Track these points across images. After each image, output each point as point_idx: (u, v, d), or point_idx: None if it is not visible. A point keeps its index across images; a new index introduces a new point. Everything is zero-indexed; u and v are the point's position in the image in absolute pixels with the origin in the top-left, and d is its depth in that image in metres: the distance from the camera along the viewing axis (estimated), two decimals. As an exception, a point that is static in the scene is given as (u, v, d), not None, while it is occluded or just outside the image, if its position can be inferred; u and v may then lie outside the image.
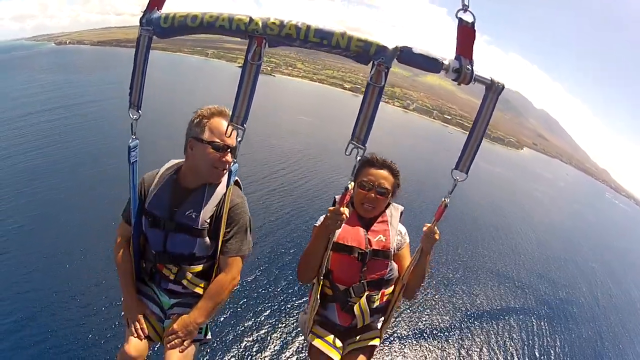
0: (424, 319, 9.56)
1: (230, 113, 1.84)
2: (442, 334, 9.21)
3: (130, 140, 2.09)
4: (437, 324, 9.62)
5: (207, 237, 2.27)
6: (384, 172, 2.43)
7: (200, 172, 2.25)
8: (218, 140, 2.16)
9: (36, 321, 6.11)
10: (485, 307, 11.77)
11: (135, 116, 2.03)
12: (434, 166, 34.06)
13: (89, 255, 7.80)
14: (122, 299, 2.34)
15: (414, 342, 8.07)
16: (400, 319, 8.69)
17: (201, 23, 1.74)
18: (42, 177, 12.33)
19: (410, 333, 8.32)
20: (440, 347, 8.52)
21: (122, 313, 2.32)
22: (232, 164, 2.10)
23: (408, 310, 9.32)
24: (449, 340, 8.96)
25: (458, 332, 9.51)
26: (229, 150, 2.19)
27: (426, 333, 8.83)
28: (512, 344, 10.15)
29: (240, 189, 2.42)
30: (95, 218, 9.34)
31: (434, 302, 10.61)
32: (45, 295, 6.69)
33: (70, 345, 5.74)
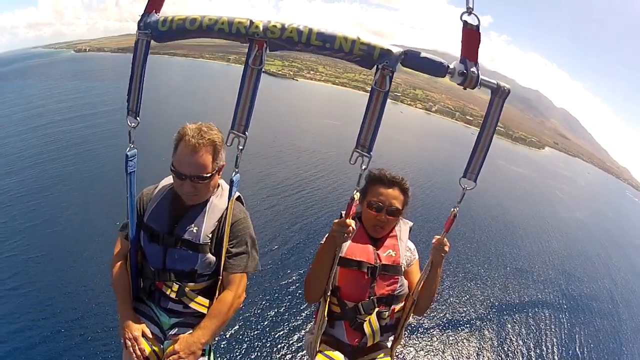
0: (449, 307, 9.60)
1: (231, 121, 1.78)
2: (465, 327, 9.25)
3: (127, 149, 2.01)
4: (459, 318, 9.65)
5: (209, 253, 2.17)
6: (394, 192, 2.31)
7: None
8: (176, 169, 2.06)
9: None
10: (510, 301, 11.85)
11: (133, 124, 1.95)
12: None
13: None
14: (119, 317, 2.19)
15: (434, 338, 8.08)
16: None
17: (200, 26, 1.70)
18: (62, 184, 12.29)
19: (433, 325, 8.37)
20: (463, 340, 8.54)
21: (119, 332, 2.15)
22: (234, 173, 1.98)
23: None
24: (471, 335, 8.93)
25: (480, 328, 9.51)
26: (186, 179, 2.06)
27: (448, 326, 8.87)
28: (538, 336, 10.18)
29: (243, 204, 2.33)
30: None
31: (459, 294, 10.64)
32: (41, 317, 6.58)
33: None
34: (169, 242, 2.16)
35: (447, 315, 9.44)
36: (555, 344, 10.30)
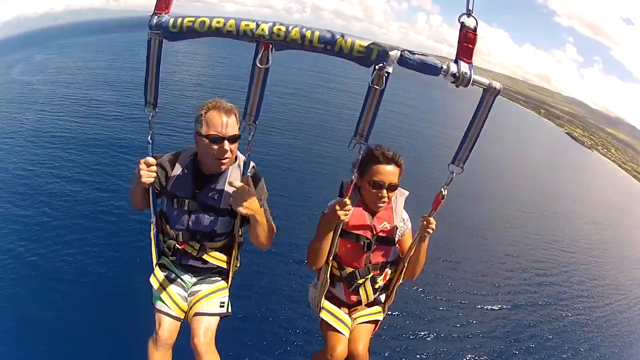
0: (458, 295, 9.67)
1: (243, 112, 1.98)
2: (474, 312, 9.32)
3: (148, 136, 2.24)
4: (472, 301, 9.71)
5: (227, 216, 2.44)
6: (391, 168, 2.44)
7: (208, 162, 2.38)
8: (214, 133, 2.26)
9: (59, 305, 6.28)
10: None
11: (151, 113, 2.16)
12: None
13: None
14: (134, 181, 2.35)
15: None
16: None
17: (209, 28, 1.80)
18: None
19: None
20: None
21: (137, 175, 2.25)
22: (247, 156, 2.18)
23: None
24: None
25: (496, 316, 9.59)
26: (224, 140, 2.27)
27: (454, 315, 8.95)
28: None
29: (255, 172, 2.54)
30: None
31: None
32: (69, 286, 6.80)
33: (98, 332, 5.95)
34: (192, 207, 2.43)
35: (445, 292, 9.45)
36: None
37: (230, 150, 2.31)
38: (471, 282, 10.21)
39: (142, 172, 2.19)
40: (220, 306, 2.57)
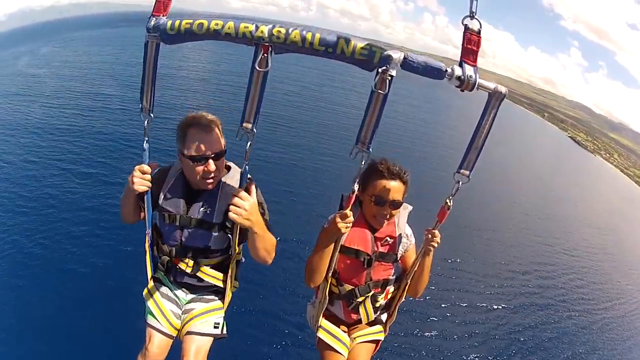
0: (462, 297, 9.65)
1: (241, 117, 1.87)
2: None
3: (144, 143, 2.15)
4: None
5: (221, 231, 2.33)
6: (395, 184, 2.30)
7: (194, 182, 2.28)
8: (195, 154, 2.14)
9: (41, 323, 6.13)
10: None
11: (147, 119, 2.08)
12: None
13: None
14: (126, 189, 2.24)
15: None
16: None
17: (207, 30, 1.75)
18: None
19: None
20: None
21: (130, 183, 2.15)
22: (244, 165, 2.03)
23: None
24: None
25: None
26: (209, 160, 2.16)
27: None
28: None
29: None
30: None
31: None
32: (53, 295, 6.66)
33: (88, 346, 5.83)
34: (184, 222, 2.32)
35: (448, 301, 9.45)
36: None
37: (217, 168, 2.21)
38: (473, 282, 10.21)
39: (135, 180, 2.09)
40: (215, 327, 2.46)
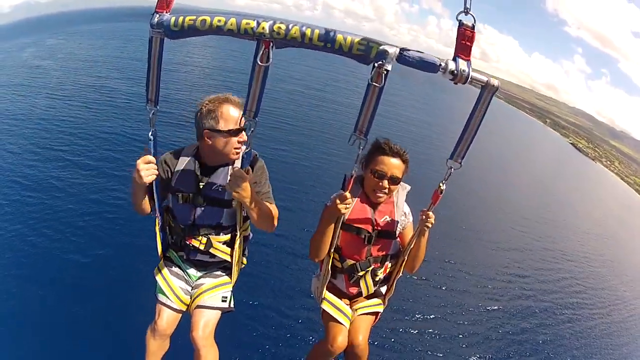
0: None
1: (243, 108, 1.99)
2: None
3: (149, 133, 2.23)
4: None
5: (232, 207, 2.49)
6: (396, 161, 2.50)
7: (222, 156, 2.43)
8: (234, 127, 2.33)
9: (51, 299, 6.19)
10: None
11: (152, 111, 2.16)
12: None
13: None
14: (133, 181, 2.27)
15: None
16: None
17: (210, 26, 1.82)
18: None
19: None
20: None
21: (136, 176, 2.20)
22: (246, 148, 2.17)
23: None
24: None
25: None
26: (242, 131, 2.36)
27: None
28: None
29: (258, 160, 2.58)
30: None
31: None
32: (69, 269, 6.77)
33: (96, 321, 5.88)
34: (197, 201, 2.47)
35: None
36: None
37: (245, 139, 2.38)
38: (471, 284, 10.27)
39: (142, 172, 2.17)
40: (222, 300, 2.60)
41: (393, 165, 2.49)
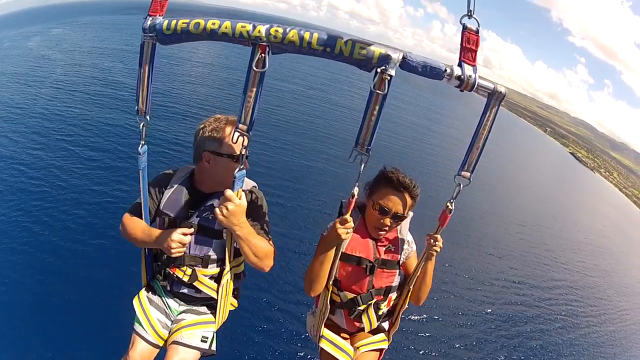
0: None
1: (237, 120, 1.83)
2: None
3: (139, 146, 2.09)
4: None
5: (222, 238, 2.27)
6: (402, 197, 2.25)
7: (219, 182, 2.24)
8: (237, 153, 2.12)
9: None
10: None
11: (143, 122, 2.03)
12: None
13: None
14: (155, 240, 2.21)
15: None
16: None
17: (204, 30, 1.72)
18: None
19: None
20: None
21: (166, 247, 2.15)
22: (238, 170, 1.99)
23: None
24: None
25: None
26: (241, 158, 2.12)
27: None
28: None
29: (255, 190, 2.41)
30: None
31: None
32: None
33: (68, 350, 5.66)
34: (186, 228, 2.23)
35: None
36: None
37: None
38: (467, 289, 10.29)
39: (173, 250, 2.13)
40: (202, 340, 2.37)
41: (399, 201, 2.23)
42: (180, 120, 14.33)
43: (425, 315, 8.48)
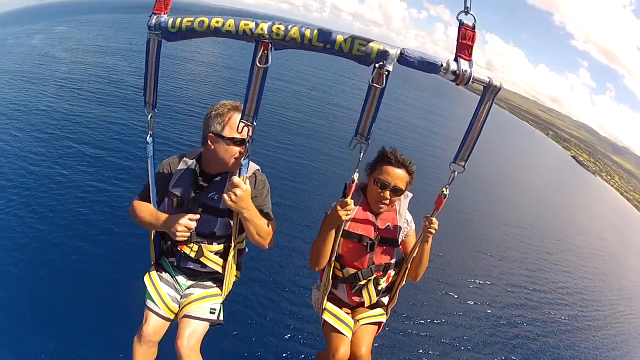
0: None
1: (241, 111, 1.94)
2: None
3: (147, 136, 2.25)
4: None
5: (226, 217, 2.44)
6: (400, 172, 2.45)
7: (221, 164, 2.39)
8: (238, 136, 2.28)
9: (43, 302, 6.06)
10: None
11: (150, 114, 2.17)
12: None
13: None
14: (162, 224, 2.37)
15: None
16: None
17: (208, 28, 1.80)
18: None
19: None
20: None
21: (172, 230, 2.32)
22: (245, 156, 2.12)
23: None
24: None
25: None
26: (247, 143, 2.30)
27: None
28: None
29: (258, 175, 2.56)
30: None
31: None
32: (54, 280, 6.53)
33: (84, 330, 5.73)
34: (193, 208, 2.43)
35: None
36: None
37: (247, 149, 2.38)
38: (465, 291, 10.27)
39: (179, 234, 2.30)
40: (211, 312, 2.55)
41: (397, 176, 2.44)
42: (185, 120, 14.39)
43: (425, 316, 8.51)
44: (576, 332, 10.98)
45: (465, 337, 8.49)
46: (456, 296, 9.81)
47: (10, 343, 5.24)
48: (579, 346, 10.26)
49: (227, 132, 2.30)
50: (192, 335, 2.41)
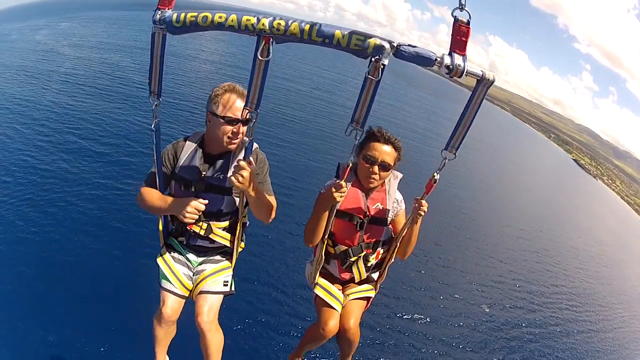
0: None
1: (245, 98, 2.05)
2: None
3: (152, 124, 2.35)
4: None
5: (232, 195, 2.56)
6: (387, 148, 2.56)
7: (219, 141, 2.50)
8: (229, 115, 2.40)
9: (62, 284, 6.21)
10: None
11: (155, 102, 2.26)
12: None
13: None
14: (171, 207, 2.50)
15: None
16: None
17: (212, 22, 1.87)
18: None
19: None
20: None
21: (182, 213, 2.45)
22: (247, 141, 2.20)
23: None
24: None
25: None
26: (239, 123, 2.43)
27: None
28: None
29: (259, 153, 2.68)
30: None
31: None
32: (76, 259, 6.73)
33: (103, 309, 5.84)
34: (199, 188, 2.53)
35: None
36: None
37: (242, 133, 2.47)
38: (466, 291, 10.37)
39: (187, 215, 2.43)
40: (224, 285, 2.68)
41: (384, 151, 2.55)
42: (189, 118, 14.52)
43: (425, 316, 8.57)
44: (576, 334, 11.01)
45: (465, 337, 8.55)
46: (457, 296, 9.86)
47: (13, 335, 5.31)
48: (577, 349, 10.30)
49: (221, 111, 2.42)
50: (210, 310, 2.54)
